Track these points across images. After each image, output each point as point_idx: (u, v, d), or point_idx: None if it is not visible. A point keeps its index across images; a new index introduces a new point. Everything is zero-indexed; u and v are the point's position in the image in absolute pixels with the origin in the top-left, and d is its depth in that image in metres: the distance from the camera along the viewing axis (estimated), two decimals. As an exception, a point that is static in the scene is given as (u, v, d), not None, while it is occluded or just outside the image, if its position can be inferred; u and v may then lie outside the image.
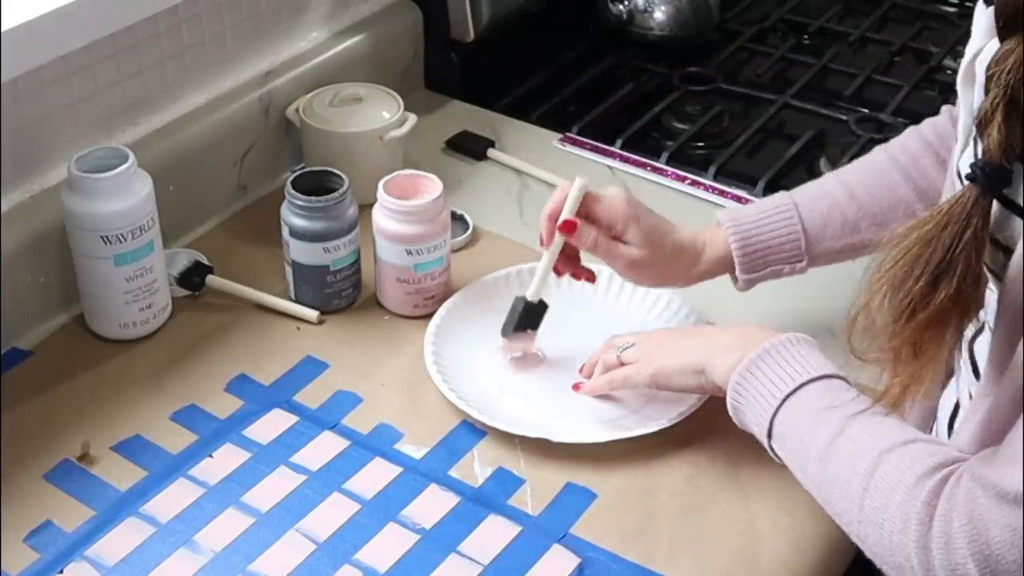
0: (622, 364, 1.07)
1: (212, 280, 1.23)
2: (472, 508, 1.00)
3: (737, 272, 1.10)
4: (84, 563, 0.95)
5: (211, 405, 1.10)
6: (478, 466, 1.05)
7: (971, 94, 0.79)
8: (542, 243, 1.09)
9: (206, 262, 1.24)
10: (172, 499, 1.00)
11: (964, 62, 0.80)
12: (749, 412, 0.94)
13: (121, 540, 0.97)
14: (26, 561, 0.95)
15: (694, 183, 1.42)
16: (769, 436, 0.92)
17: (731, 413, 0.97)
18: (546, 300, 1.13)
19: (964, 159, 0.81)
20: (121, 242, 1.11)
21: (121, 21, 1.16)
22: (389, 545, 0.97)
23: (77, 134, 1.20)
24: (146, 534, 0.97)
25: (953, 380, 0.94)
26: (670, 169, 1.45)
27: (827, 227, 1.09)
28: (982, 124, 0.74)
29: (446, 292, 1.21)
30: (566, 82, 1.67)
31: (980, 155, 0.75)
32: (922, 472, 0.78)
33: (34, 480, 1.02)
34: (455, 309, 1.18)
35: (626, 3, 1.73)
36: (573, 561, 0.96)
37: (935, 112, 1.65)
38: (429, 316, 1.18)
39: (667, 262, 1.09)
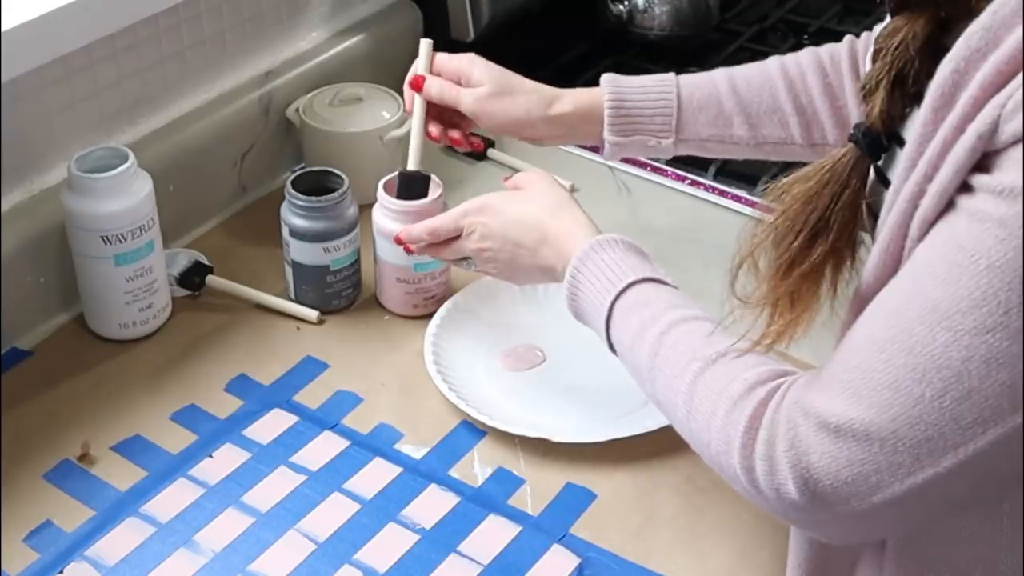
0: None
1: (212, 280, 1.23)
2: (472, 508, 1.00)
3: (606, 133, 1.11)
4: (84, 563, 0.95)
5: (211, 405, 1.10)
6: (478, 466, 1.05)
7: None
8: (406, 109, 1.15)
9: (206, 262, 1.24)
10: (172, 499, 1.00)
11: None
12: (593, 329, 0.95)
13: (121, 540, 0.97)
14: (26, 561, 0.95)
15: (694, 183, 1.42)
16: (615, 353, 0.93)
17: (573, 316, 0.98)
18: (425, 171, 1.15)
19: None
20: (121, 242, 1.11)
21: (121, 21, 1.16)
22: (389, 545, 0.97)
23: (77, 134, 1.20)
24: (146, 534, 0.97)
25: None
26: (670, 169, 1.45)
27: (701, 111, 1.11)
28: (867, 92, 0.78)
29: (446, 292, 1.21)
30: (566, 82, 1.66)
31: (863, 120, 0.78)
32: (740, 392, 0.78)
33: (34, 480, 1.02)
34: (455, 309, 1.18)
35: (626, 3, 1.72)
36: (573, 561, 0.96)
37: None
38: (429, 316, 1.18)
39: (515, 99, 1.11)
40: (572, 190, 1.40)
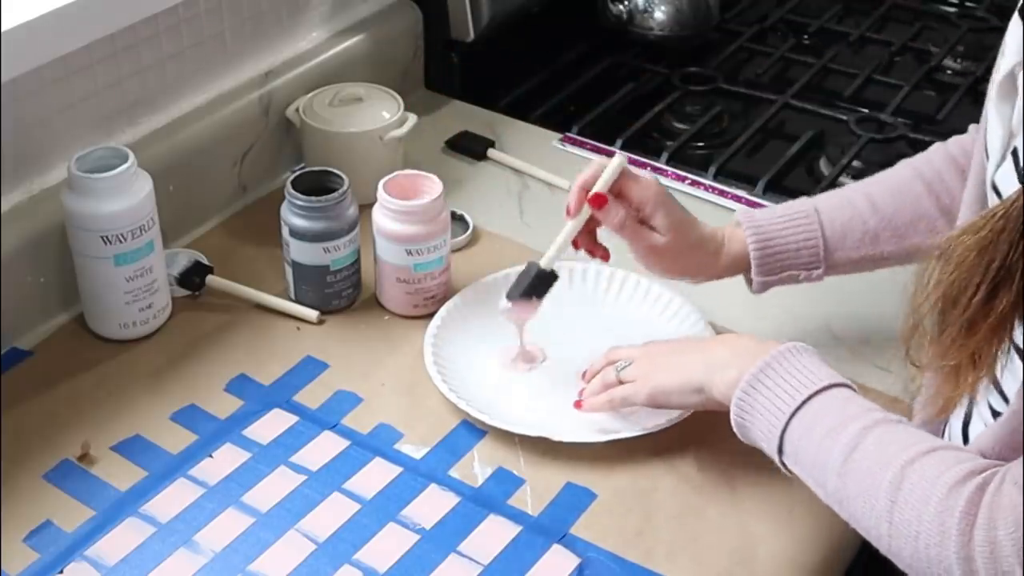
0: (621, 382, 1.05)
1: (212, 280, 1.23)
2: (472, 508, 1.00)
3: (753, 274, 1.08)
4: (84, 563, 0.95)
5: (211, 405, 1.10)
6: (478, 466, 1.05)
7: (1009, 108, 0.78)
8: (568, 213, 1.07)
9: (206, 262, 1.24)
10: (172, 499, 1.00)
11: (999, 76, 0.79)
12: (755, 429, 0.91)
13: (121, 540, 0.97)
14: (26, 561, 0.95)
15: (694, 183, 1.42)
16: (780, 452, 0.90)
17: (736, 431, 0.94)
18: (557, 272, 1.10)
19: (1000, 174, 0.80)
20: (121, 242, 1.11)
21: (121, 21, 1.16)
22: (389, 545, 0.97)
23: (77, 134, 1.20)
24: (146, 534, 0.97)
25: None
26: (670, 169, 1.45)
27: (847, 236, 1.07)
28: None
29: (446, 292, 1.21)
30: (566, 82, 1.67)
31: None
32: (954, 480, 0.76)
33: (34, 480, 1.02)
34: (455, 309, 1.18)
35: (626, 3, 1.73)
36: (573, 561, 0.96)
37: (935, 112, 1.66)
38: (429, 316, 1.18)
39: (688, 253, 1.08)
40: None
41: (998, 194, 0.81)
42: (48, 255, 1.16)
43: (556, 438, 1.05)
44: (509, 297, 1.10)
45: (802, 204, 1.10)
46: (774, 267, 1.08)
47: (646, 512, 1.01)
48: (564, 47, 1.74)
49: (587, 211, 1.06)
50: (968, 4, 1.92)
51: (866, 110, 1.61)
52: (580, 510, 1.01)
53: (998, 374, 0.84)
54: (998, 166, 0.81)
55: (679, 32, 1.73)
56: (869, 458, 0.82)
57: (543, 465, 1.05)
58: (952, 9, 1.91)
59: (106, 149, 1.13)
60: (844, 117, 1.58)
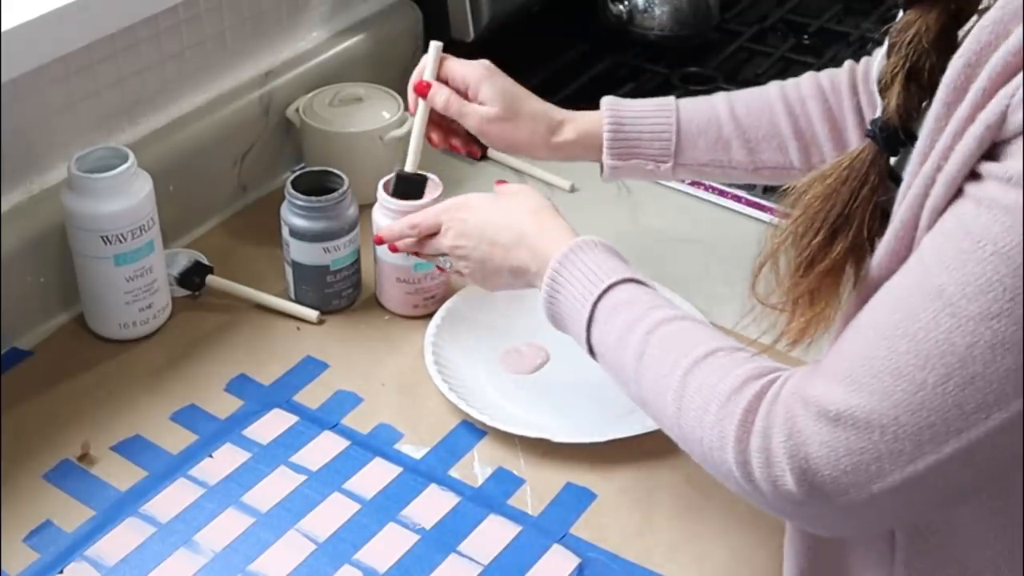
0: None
1: (212, 280, 1.23)
2: (472, 508, 1.00)
3: (604, 156, 1.11)
4: (84, 563, 0.95)
5: (211, 405, 1.10)
6: (478, 466, 1.05)
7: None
8: (410, 111, 1.13)
9: (206, 262, 1.24)
10: (172, 499, 1.00)
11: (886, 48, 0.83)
12: (572, 334, 0.94)
13: (121, 540, 0.97)
14: (26, 561, 0.95)
15: (694, 183, 1.42)
16: (593, 356, 0.92)
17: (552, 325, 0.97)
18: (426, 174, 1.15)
19: None
20: (121, 242, 1.11)
21: (121, 21, 1.16)
22: (389, 545, 0.97)
23: (77, 134, 1.20)
24: (146, 534, 0.97)
25: None
26: (670, 169, 1.45)
27: (700, 136, 1.10)
28: (883, 88, 0.78)
29: (446, 292, 1.21)
30: (566, 82, 1.67)
31: (880, 116, 0.78)
32: (733, 386, 0.78)
33: (34, 480, 1.02)
34: (455, 309, 1.18)
35: (626, 3, 1.72)
36: (573, 561, 0.96)
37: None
38: (429, 316, 1.18)
39: (522, 123, 1.11)
40: (572, 190, 1.40)
41: None
42: (48, 255, 1.16)
43: (556, 439, 1.05)
44: (393, 196, 1.15)
45: (666, 99, 1.13)
46: (624, 151, 1.11)
47: (646, 512, 1.01)
48: (564, 47, 1.74)
49: (425, 106, 1.12)
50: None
51: (866, 110, 1.61)
52: (580, 510, 1.01)
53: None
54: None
55: (679, 32, 1.73)
56: (655, 364, 0.85)
57: (543, 465, 1.05)
58: (952, 9, 1.90)
59: (106, 149, 1.13)
60: (844, 117, 1.58)
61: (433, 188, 1.19)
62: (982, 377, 0.67)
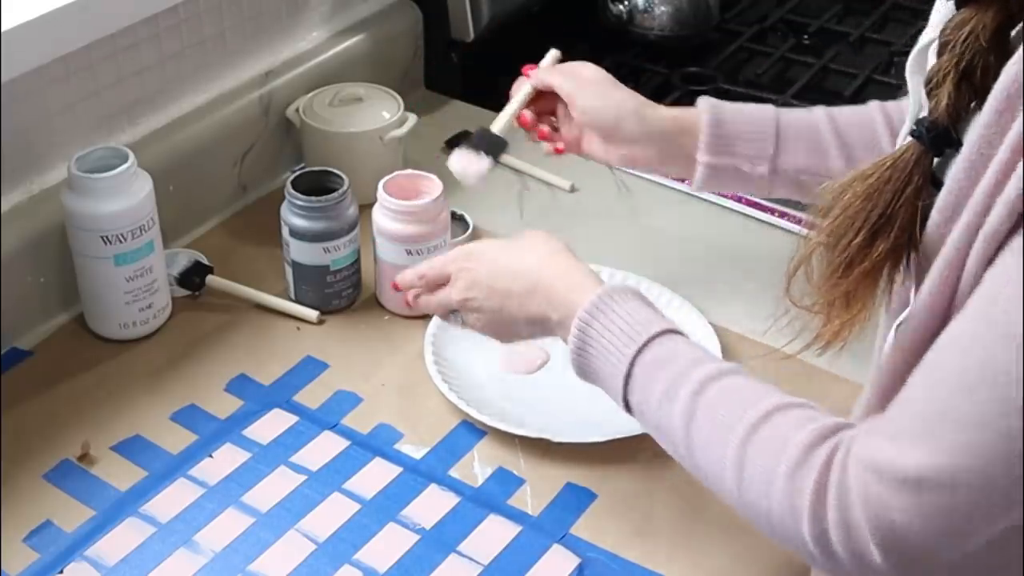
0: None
1: (212, 280, 1.23)
2: (472, 508, 1.00)
3: (700, 152, 1.07)
4: (84, 563, 0.95)
5: (211, 405, 1.10)
6: (478, 466, 1.05)
7: (920, 80, 0.79)
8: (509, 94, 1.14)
9: (206, 262, 1.24)
10: (172, 499, 1.00)
11: (916, 49, 0.81)
12: (607, 389, 0.90)
13: (121, 540, 0.97)
14: (26, 561, 0.95)
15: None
16: (629, 410, 0.88)
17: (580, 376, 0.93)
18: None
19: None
20: (121, 242, 1.11)
21: (121, 21, 1.16)
22: (389, 545, 0.97)
23: (77, 134, 1.20)
24: (146, 534, 0.97)
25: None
26: (670, 169, 1.45)
27: (800, 139, 1.07)
28: (932, 87, 0.76)
29: (446, 292, 1.21)
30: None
31: (927, 115, 0.76)
32: (797, 457, 0.74)
33: (34, 480, 1.02)
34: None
35: (626, 3, 1.73)
36: (573, 561, 0.96)
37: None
38: (429, 316, 1.18)
39: (612, 93, 1.11)
40: (572, 190, 1.40)
41: None
42: (48, 255, 1.16)
43: (556, 439, 1.05)
44: (450, 145, 1.15)
45: (764, 105, 1.11)
46: (722, 148, 1.07)
47: (646, 512, 1.01)
48: (564, 47, 1.74)
49: (529, 85, 1.12)
50: (968, 4, 1.91)
51: (866, 110, 1.61)
52: (580, 510, 1.01)
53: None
54: (906, 137, 0.82)
55: (679, 32, 1.73)
56: (708, 430, 0.81)
57: (543, 465, 1.05)
58: (952, 9, 1.90)
59: (106, 149, 1.13)
60: (844, 117, 1.58)
61: (433, 188, 1.19)
62: None
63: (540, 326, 0.95)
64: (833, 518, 0.72)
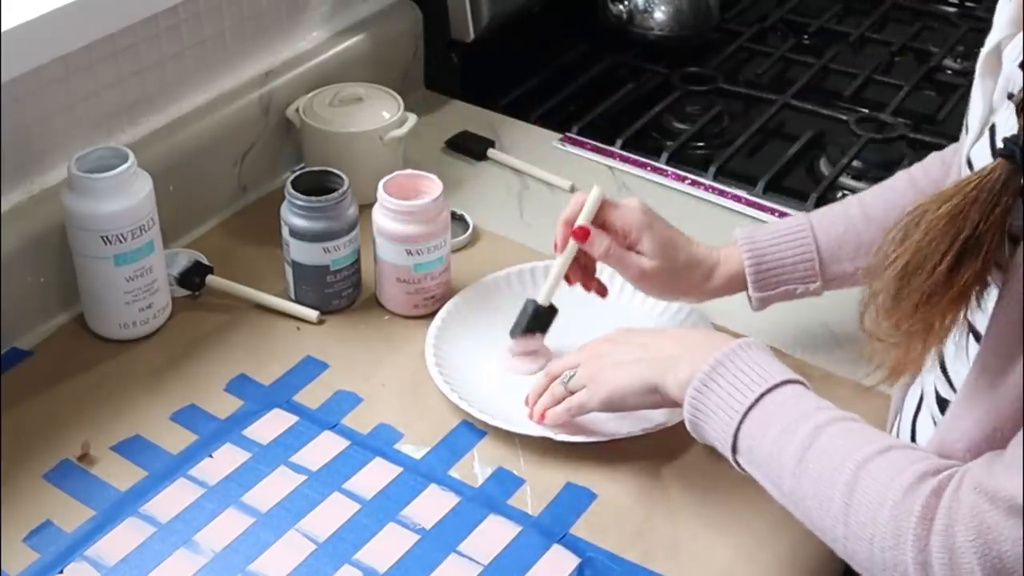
0: (571, 392, 1.03)
1: (212, 280, 1.23)
2: (472, 508, 1.00)
3: (750, 290, 1.09)
4: (84, 563, 0.95)
5: (211, 405, 1.10)
6: (478, 466, 1.05)
7: (992, 83, 0.78)
8: (556, 248, 1.09)
9: (206, 262, 1.24)
10: (172, 499, 1.00)
11: (985, 51, 0.79)
12: (709, 428, 0.90)
13: (121, 540, 0.97)
14: (26, 561, 0.95)
15: (694, 183, 1.42)
16: (734, 451, 0.88)
17: (690, 430, 0.93)
18: (555, 304, 1.12)
19: (976, 149, 0.80)
20: (121, 242, 1.11)
21: (121, 21, 1.16)
22: (389, 545, 0.97)
23: (77, 134, 1.20)
24: (146, 534, 0.97)
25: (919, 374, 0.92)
26: (670, 169, 1.45)
27: (841, 248, 1.07)
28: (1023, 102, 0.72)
29: (446, 292, 1.21)
30: (566, 82, 1.67)
31: (1019, 132, 0.72)
32: (910, 482, 0.75)
33: (34, 480, 1.02)
34: (456, 309, 1.18)
35: (626, 3, 1.73)
36: (573, 561, 0.96)
37: (935, 112, 1.66)
38: (429, 316, 1.18)
39: (679, 274, 1.08)
40: (572, 190, 1.40)
41: (971, 169, 0.80)
42: (48, 255, 1.16)
43: (556, 438, 1.05)
44: (512, 335, 1.12)
45: (797, 219, 1.10)
46: (770, 282, 1.09)
47: (646, 512, 1.01)
48: (564, 47, 1.74)
49: (574, 245, 1.08)
50: (968, 4, 1.92)
51: (866, 110, 1.61)
52: (580, 510, 1.01)
53: (947, 357, 0.84)
54: (975, 142, 0.81)
55: (679, 32, 1.73)
56: (823, 458, 0.81)
57: (543, 465, 1.05)
58: (952, 9, 1.91)
59: (106, 149, 1.13)
60: (844, 117, 1.58)
61: (433, 188, 1.19)
62: None
63: (661, 365, 0.95)
64: (937, 543, 0.72)
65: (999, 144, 0.74)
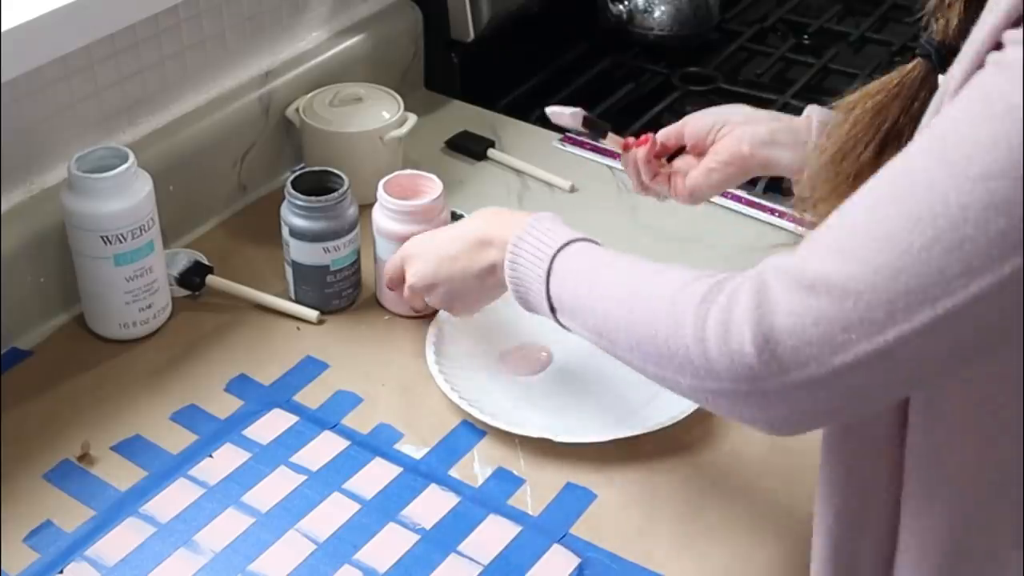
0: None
1: (212, 280, 1.23)
2: (472, 508, 1.00)
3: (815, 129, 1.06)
4: (84, 563, 0.95)
5: (211, 405, 1.10)
6: (478, 466, 1.05)
7: None
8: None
9: (206, 262, 1.24)
10: (172, 499, 1.00)
11: None
12: (532, 299, 0.93)
13: (121, 540, 0.97)
14: (26, 561, 0.95)
15: (694, 183, 1.42)
16: (553, 312, 0.91)
17: (522, 307, 0.96)
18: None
19: None
20: (121, 242, 1.11)
21: (121, 21, 1.16)
22: (389, 545, 0.97)
23: (77, 134, 1.20)
24: (146, 534, 0.97)
25: None
26: (670, 169, 1.45)
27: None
28: (944, 4, 0.78)
29: (446, 292, 1.21)
30: (566, 82, 1.67)
31: (934, 34, 0.79)
32: (693, 276, 0.78)
33: (34, 480, 1.02)
34: (455, 309, 1.18)
35: (626, 3, 1.73)
36: (573, 561, 0.96)
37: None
38: (429, 316, 1.18)
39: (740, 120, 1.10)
40: (572, 190, 1.40)
41: None
42: (48, 255, 1.16)
43: (557, 438, 1.05)
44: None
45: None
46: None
47: (646, 512, 1.01)
48: (564, 47, 1.74)
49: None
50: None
51: (866, 110, 1.61)
52: (580, 510, 1.01)
53: None
54: None
55: (679, 32, 1.73)
56: (613, 279, 0.85)
57: (543, 465, 1.05)
58: (952, 9, 1.90)
59: (106, 149, 1.13)
60: (844, 117, 1.58)
61: (434, 188, 1.19)
62: (971, 240, 0.64)
63: (493, 275, 0.99)
64: (715, 316, 0.73)
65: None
